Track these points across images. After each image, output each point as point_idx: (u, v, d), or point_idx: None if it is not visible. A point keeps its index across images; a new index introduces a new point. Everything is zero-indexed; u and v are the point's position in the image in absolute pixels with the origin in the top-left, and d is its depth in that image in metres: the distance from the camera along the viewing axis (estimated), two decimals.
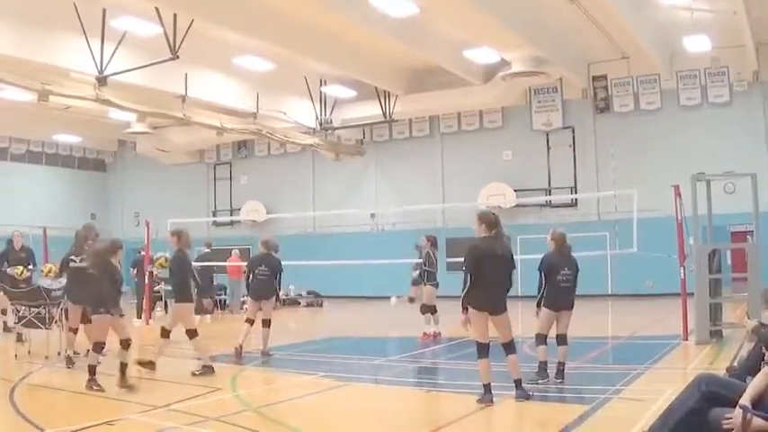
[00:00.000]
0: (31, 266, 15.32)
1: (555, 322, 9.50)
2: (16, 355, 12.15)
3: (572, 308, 9.58)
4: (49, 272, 13.29)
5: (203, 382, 9.90)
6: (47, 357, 11.83)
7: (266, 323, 12.63)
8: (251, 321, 12.70)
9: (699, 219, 13.41)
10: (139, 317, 19.37)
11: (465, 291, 8.24)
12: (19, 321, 12.44)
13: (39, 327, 12.25)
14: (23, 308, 12.36)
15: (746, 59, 23.10)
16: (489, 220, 8.47)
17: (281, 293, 13.73)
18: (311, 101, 26.48)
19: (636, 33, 21.11)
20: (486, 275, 8.24)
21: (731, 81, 24.46)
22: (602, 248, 22.01)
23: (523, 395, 8.21)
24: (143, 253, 20.19)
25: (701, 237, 13.59)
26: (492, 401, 7.99)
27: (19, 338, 12.72)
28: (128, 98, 20.43)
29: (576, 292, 9.63)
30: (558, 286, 9.43)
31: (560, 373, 9.28)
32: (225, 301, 24.40)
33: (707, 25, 20.83)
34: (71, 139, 33.98)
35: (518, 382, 8.28)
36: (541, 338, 9.46)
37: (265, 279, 12.71)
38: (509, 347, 8.35)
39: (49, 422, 7.22)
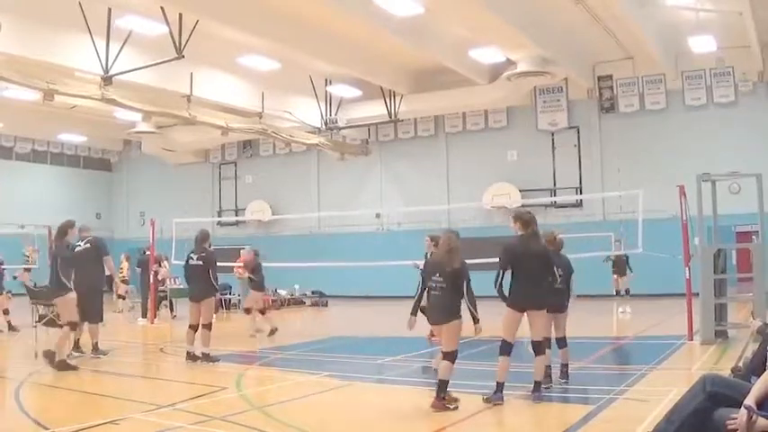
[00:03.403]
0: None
1: (552, 326, 9.34)
2: (36, 354, 12.18)
3: (565, 310, 9.46)
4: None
5: (208, 381, 9.92)
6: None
7: None
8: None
9: (704, 219, 13.38)
10: (144, 316, 19.38)
11: (497, 287, 8.26)
12: (40, 320, 12.52)
13: (59, 325, 12.28)
14: (42, 307, 12.44)
15: (752, 60, 23.10)
16: (523, 219, 8.50)
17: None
18: (316, 100, 26.49)
19: (641, 33, 21.11)
20: (523, 273, 8.30)
21: (736, 81, 24.46)
22: (608, 249, 21.98)
23: (539, 397, 8.23)
24: (148, 253, 20.19)
25: (706, 237, 13.56)
26: (502, 401, 7.99)
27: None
28: (133, 98, 20.47)
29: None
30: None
31: (564, 373, 9.27)
32: (230, 300, 24.48)
33: (712, 25, 20.80)
34: (76, 138, 34.08)
35: (537, 384, 8.30)
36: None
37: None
38: (538, 348, 8.37)
39: (53, 421, 7.23)
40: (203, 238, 12.27)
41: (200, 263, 11.92)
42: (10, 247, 22.24)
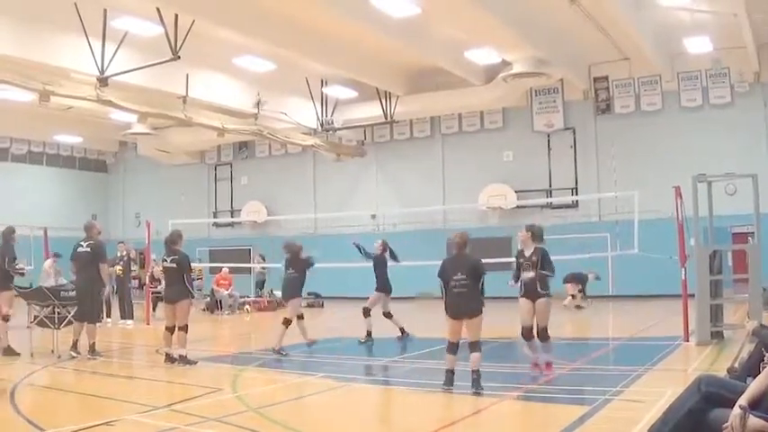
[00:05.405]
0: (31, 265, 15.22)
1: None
2: (32, 354, 12.19)
3: (473, 316, 8.91)
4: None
5: (204, 382, 9.90)
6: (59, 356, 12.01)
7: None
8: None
9: (700, 220, 13.39)
10: (123, 317, 19.03)
11: None
12: (33, 321, 12.51)
13: (49, 326, 12.34)
14: (37, 308, 12.45)
15: (748, 61, 23.13)
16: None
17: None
18: (312, 101, 26.47)
19: (637, 34, 21.12)
20: None
21: (732, 82, 24.47)
22: (603, 249, 22.02)
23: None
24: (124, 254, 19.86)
25: (702, 238, 13.57)
26: None
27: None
28: (129, 99, 20.45)
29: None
30: (453, 292, 8.95)
31: (476, 382, 8.61)
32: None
33: (708, 26, 20.85)
34: (72, 139, 34.03)
35: None
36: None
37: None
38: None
39: (49, 422, 7.21)
40: (174, 239, 12.04)
41: (174, 265, 11.76)
42: None
